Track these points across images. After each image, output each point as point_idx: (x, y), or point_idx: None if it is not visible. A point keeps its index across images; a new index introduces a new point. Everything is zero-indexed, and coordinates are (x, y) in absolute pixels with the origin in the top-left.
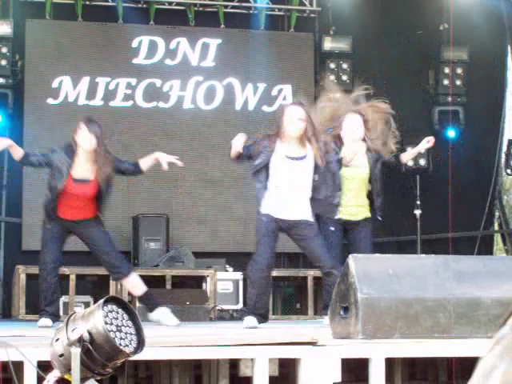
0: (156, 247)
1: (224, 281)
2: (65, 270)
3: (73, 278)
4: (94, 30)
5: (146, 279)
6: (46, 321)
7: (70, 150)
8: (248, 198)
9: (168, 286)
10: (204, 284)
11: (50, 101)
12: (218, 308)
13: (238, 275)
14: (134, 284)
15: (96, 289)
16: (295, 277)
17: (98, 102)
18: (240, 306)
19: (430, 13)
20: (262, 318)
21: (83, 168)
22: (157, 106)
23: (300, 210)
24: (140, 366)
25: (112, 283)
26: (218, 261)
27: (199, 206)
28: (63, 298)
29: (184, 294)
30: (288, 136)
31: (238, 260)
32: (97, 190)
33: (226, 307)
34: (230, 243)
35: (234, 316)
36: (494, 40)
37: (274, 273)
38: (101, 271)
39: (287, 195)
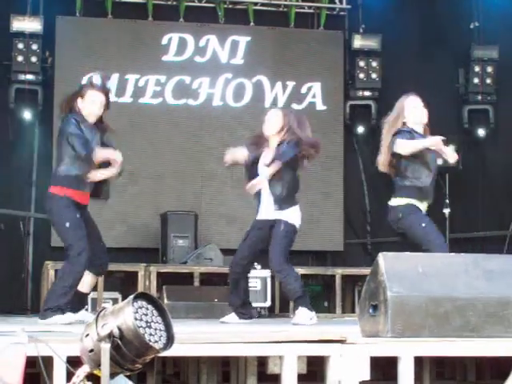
0: (184, 244)
1: (252, 278)
2: None
3: None
4: (123, 27)
5: (174, 276)
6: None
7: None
8: None
9: (196, 283)
10: None
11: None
12: None
13: (266, 273)
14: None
15: (124, 285)
16: (323, 275)
17: (127, 98)
18: (268, 303)
19: (461, 11)
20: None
21: None
22: (186, 103)
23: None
24: (168, 363)
25: (140, 279)
26: None
27: (227, 203)
28: (92, 295)
29: (212, 291)
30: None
31: (267, 258)
32: None
33: (253, 305)
34: None
35: (262, 314)
36: None
37: (302, 271)
38: (128, 268)
39: None
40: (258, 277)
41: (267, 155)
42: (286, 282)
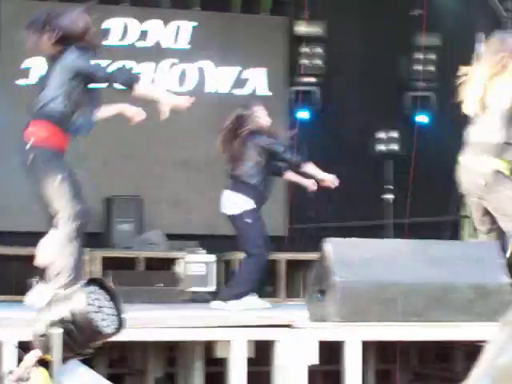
0: (129, 229)
1: (196, 263)
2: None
3: None
4: None
5: (119, 261)
6: None
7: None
8: (220, 179)
9: (141, 267)
10: (176, 266)
11: (21, 81)
12: (190, 290)
13: (211, 257)
14: None
15: None
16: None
17: None
18: (213, 288)
19: None
20: None
21: None
22: None
23: None
24: (114, 347)
25: (85, 264)
26: (190, 243)
27: (172, 188)
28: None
29: (156, 275)
30: None
31: (211, 242)
32: None
33: (198, 289)
34: (202, 226)
35: (206, 298)
36: (466, 26)
37: None
38: None
39: None
40: (203, 262)
41: None
42: None
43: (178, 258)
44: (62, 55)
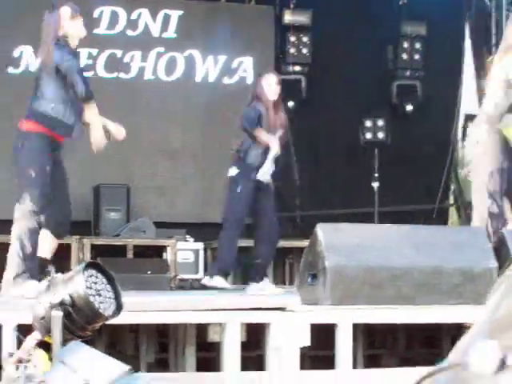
0: (117, 217)
1: (184, 251)
2: None
3: None
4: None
5: (108, 248)
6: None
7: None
8: (208, 168)
9: (129, 255)
10: (164, 254)
11: (11, 70)
12: (178, 277)
13: (199, 245)
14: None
15: (57, 257)
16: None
17: None
18: (200, 275)
19: None
20: None
21: None
22: (118, 77)
23: None
24: (103, 332)
25: (74, 252)
26: (178, 231)
27: (160, 177)
28: None
29: (145, 263)
30: None
31: (198, 230)
32: None
33: (186, 277)
34: (190, 214)
35: (194, 286)
36: (452, 15)
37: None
38: (62, 240)
39: None
40: (190, 249)
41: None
42: None
43: (166, 246)
44: None
